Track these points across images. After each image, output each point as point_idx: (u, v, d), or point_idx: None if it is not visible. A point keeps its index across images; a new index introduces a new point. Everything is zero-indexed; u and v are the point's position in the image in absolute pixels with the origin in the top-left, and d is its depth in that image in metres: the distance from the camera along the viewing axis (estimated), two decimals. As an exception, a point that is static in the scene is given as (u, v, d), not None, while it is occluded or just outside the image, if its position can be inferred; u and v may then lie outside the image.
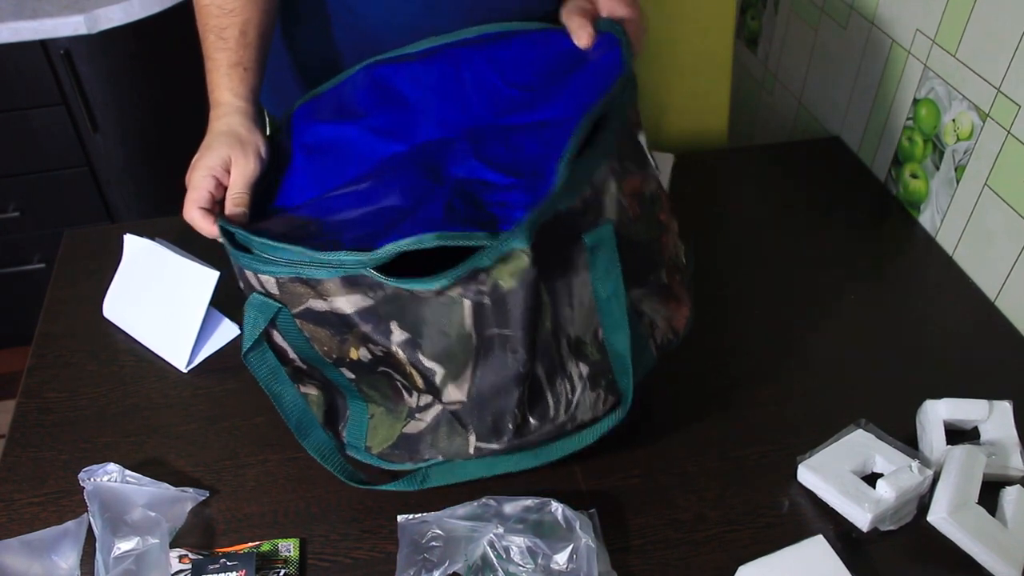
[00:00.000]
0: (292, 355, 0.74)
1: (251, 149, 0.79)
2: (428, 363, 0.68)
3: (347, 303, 0.66)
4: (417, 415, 0.73)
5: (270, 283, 0.68)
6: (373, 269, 0.64)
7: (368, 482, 0.75)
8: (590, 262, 0.67)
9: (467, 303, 0.64)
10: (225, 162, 0.78)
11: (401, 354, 0.68)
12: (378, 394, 0.73)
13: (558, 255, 0.65)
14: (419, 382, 0.70)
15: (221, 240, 0.75)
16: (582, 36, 0.81)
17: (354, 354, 0.70)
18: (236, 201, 0.77)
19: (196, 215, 0.78)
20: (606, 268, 0.67)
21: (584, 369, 0.70)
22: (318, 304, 0.67)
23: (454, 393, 0.69)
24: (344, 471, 0.75)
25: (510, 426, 0.69)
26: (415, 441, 0.73)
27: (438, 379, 0.68)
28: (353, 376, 0.72)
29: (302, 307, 0.68)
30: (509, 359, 0.67)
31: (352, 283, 0.65)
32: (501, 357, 0.67)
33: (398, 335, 0.67)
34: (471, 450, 0.71)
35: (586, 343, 0.70)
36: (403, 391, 0.72)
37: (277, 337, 0.73)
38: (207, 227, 0.78)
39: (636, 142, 0.74)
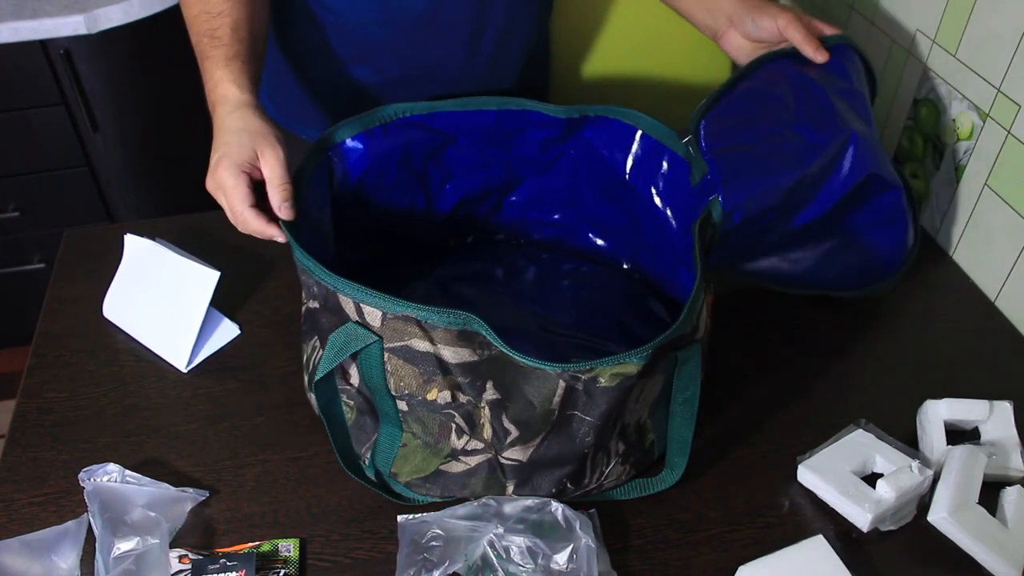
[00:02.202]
0: (354, 380, 0.74)
1: (274, 138, 0.76)
2: (507, 424, 0.70)
3: (453, 354, 0.67)
4: (461, 457, 0.73)
5: (374, 315, 0.67)
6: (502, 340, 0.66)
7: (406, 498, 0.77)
8: (676, 372, 0.72)
9: (562, 384, 0.67)
10: (253, 158, 0.75)
11: (486, 410, 0.70)
12: (422, 428, 0.72)
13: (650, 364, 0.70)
14: (487, 435, 0.71)
15: (276, 239, 0.74)
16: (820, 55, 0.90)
17: (433, 394, 0.70)
18: (285, 193, 0.74)
19: (249, 214, 0.74)
20: (689, 377, 0.72)
21: (621, 447, 0.75)
22: (421, 345, 0.67)
23: (516, 454, 0.71)
24: (388, 492, 0.77)
25: (552, 490, 0.73)
26: (450, 479, 0.74)
27: (508, 439, 0.71)
28: (407, 409, 0.72)
29: (401, 344, 0.68)
30: (578, 439, 0.71)
31: (467, 338, 0.66)
32: (571, 435, 0.71)
33: (490, 393, 0.69)
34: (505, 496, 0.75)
35: (630, 426, 0.75)
36: (453, 432, 0.72)
37: (347, 361, 0.73)
38: (262, 226, 0.74)
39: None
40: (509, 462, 0.72)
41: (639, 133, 0.90)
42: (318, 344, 0.78)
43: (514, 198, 0.99)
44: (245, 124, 0.77)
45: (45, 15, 1.51)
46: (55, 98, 1.62)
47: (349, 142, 0.86)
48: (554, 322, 0.92)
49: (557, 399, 0.68)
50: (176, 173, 1.82)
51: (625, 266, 0.99)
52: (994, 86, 0.95)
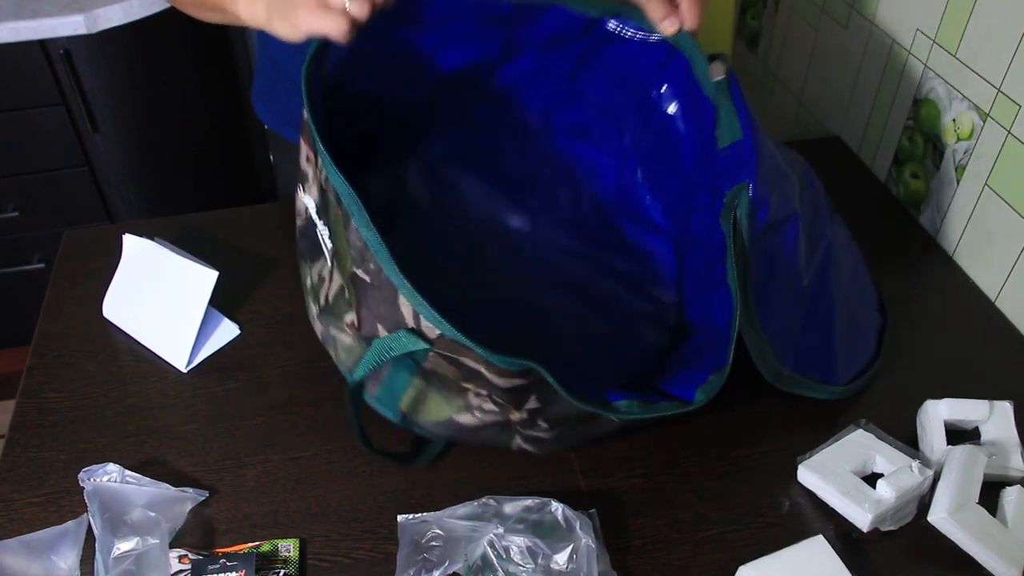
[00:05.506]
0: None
1: None
2: (540, 423, 0.71)
3: (505, 381, 0.66)
4: (476, 412, 0.71)
5: (431, 330, 0.63)
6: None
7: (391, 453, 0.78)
8: None
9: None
10: None
11: (524, 415, 0.70)
12: (438, 381, 0.70)
13: None
14: (513, 419, 0.72)
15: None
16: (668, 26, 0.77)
17: (466, 388, 0.69)
18: None
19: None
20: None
21: None
22: (472, 363, 0.65)
23: (541, 433, 0.73)
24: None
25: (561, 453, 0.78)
26: (462, 429, 0.73)
27: (536, 431, 0.72)
28: (428, 370, 0.70)
29: (452, 355, 0.65)
30: (602, 427, 0.73)
31: (525, 373, 0.65)
32: (601, 425, 0.73)
33: (532, 404, 0.69)
34: (513, 447, 0.75)
35: None
36: (471, 395, 0.71)
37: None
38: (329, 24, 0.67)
39: None
40: (537, 433, 0.73)
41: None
42: (330, 265, 0.73)
43: (503, 74, 0.88)
44: None
45: (45, 15, 1.52)
46: (55, 98, 1.62)
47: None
48: (545, 219, 0.89)
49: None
50: (176, 173, 1.82)
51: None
52: (994, 86, 0.95)
